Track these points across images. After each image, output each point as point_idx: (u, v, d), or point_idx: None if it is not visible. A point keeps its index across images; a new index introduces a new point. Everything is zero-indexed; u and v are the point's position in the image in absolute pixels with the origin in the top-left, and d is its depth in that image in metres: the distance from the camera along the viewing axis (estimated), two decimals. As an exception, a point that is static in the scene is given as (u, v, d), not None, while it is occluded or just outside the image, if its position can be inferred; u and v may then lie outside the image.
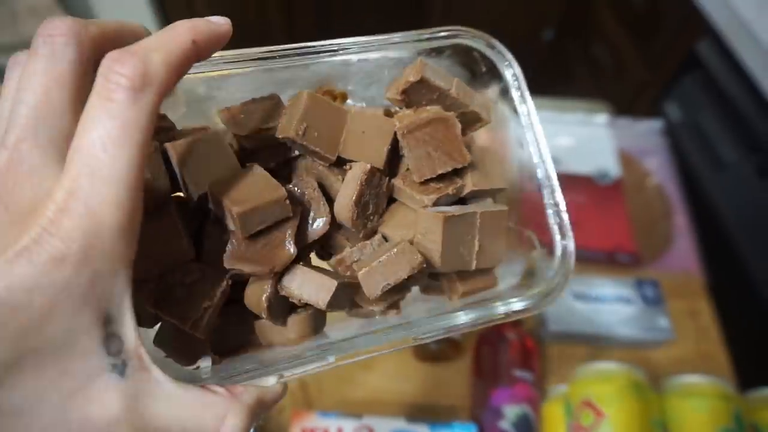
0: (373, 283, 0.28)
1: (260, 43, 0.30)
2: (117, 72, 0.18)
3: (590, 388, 0.60)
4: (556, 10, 1.71)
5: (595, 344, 0.73)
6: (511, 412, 0.62)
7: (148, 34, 0.23)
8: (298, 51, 0.30)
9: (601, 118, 0.97)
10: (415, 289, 0.33)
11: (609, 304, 0.75)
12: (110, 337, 0.19)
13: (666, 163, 0.95)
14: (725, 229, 0.98)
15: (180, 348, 0.28)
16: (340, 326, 0.32)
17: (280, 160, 0.31)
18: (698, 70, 1.10)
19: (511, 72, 0.34)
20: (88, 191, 0.18)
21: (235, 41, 0.24)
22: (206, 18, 0.22)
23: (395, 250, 0.28)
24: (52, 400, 0.18)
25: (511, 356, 0.66)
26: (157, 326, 0.28)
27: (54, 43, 0.19)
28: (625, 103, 1.32)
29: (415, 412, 0.67)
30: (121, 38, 0.22)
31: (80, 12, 1.46)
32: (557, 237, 0.32)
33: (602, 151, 0.92)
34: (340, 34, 0.32)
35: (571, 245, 0.32)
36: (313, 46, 0.31)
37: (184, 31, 0.21)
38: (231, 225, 0.27)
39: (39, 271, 0.17)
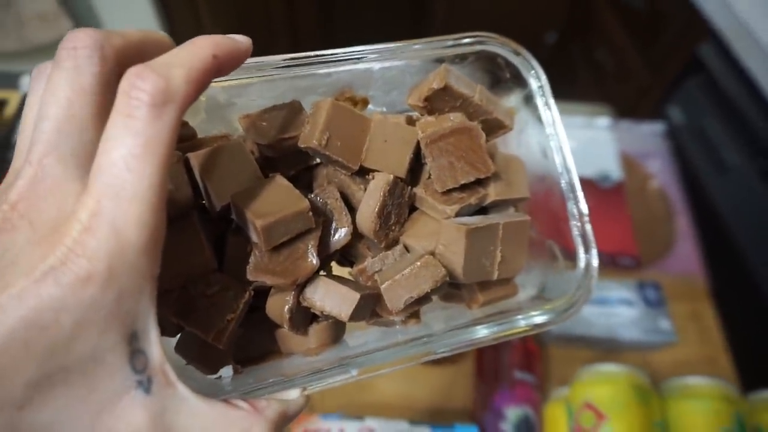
0: (396, 297, 0.28)
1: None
2: (138, 88, 0.18)
3: (591, 390, 0.60)
4: (559, 13, 1.71)
5: (598, 347, 0.73)
6: (512, 413, 0.63)
7: (173, 44, 0.22)
8: (320, 59, 0.30)
9: (603, 121, 0.97)
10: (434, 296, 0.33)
11: (611, 306, 0.75)
12: (135, 354, 0.19)
13: (668, 166, 0.95)
14: (728, 231, 0.98)
15: (202, 356, 0.28)
16: (359, 334, 0.31)
17: (301, 167, 0.31)
18: (701, 73, 1.10)
19: (536, 80, 0.33)
20: (112, 211, 0.18)
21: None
22: (227, 35, 0.22)
23: (419, 263, 0.28)
24: (80, 418, 0.18)
25: (513, 359, 0.66)
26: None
27: (77, 56, 0.19)
28: (628, 106, 1.32)
29: (418, 415, 0.67)
30: (145, 50, 0.21)
31: (86, 18, 1.46)
32: (581, 250, 0.31)
33: (604, 154, 0.92)
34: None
35: (594, 259, 0.31)
36: (335, 54, 0.30)
37: (206, 45, 0.21)
38: (254, 237, 0.26)
39: (66, 291, 0.17)
